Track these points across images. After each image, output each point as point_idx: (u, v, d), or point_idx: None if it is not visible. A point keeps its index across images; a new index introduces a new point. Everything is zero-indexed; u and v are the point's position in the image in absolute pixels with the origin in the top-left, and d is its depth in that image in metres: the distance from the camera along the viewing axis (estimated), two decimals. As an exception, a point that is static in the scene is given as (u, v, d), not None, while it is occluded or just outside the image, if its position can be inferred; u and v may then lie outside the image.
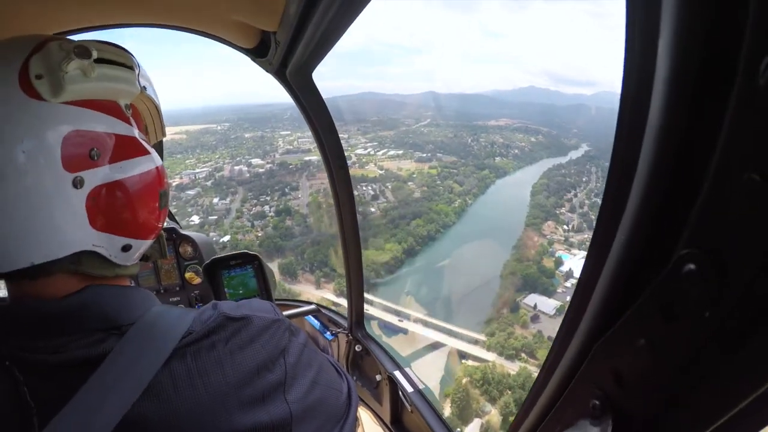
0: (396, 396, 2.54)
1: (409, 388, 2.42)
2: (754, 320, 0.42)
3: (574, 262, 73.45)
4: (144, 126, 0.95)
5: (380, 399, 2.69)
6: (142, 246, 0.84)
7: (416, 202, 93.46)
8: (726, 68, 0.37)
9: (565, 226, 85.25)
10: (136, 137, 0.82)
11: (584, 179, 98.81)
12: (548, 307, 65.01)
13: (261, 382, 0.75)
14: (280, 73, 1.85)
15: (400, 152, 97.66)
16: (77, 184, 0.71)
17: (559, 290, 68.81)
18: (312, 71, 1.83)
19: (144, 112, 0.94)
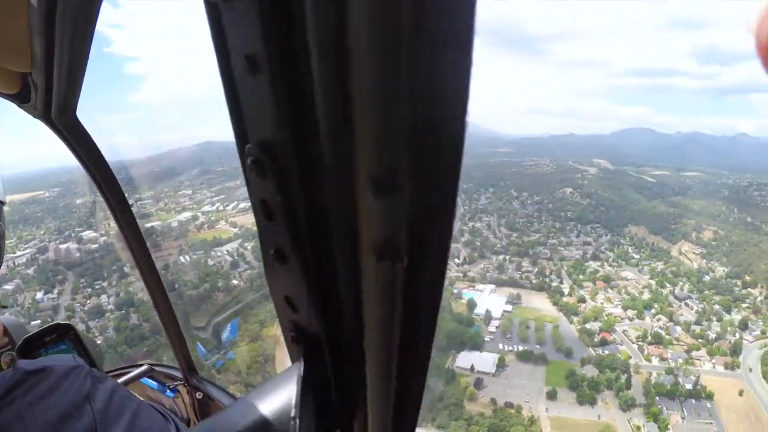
0: None
1: None
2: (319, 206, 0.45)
3: (485, 299, 71.93)
4: None
5: None
6: None
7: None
8: None
9: (456, 259, 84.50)
10: None
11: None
12: (487, 364, 62.04)
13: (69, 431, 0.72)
14: (45, 116, 1.79)
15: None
16: None
17: (487, 338, 66.48)
18: (74, 109, 1.77)
19: None
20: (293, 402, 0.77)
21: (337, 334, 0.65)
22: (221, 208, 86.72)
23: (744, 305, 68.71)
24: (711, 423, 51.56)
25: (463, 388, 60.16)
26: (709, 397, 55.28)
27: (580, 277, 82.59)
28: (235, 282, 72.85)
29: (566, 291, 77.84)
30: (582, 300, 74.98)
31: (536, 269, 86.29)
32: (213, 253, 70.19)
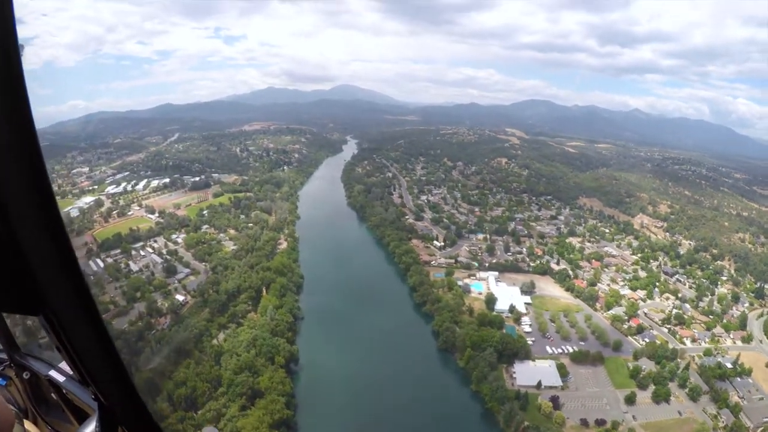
0: (63, 396, 2.55)
1: (61, 378, 2.54)
2: None
3: (496, 289, 63.75)
4: None
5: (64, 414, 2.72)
6: None
7: (237, 259, 68.14)
8: None
9: (435, 242, 75.91)
10: None
11: (388, 174, 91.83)
12: (550, 376, 54.06)
13: None
14: None
15: (167, 180, 71.86)
16: None
17: (530, 340, 58.33)
18: None
19: None
20: None
21: None
22: (130, 188, 65.48)
23: (723, 278, 75.58)
24: (762, 398, 55.37)
25: (546, 413, 54.60)
26: (748, 373, 59.38)
27: (571, 256, 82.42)
28: (179, 297, 54.48)
29: (570, 274, 76.51)
30: (593, 283, 74.37)
31: (525, 250, 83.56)
32: (137, 254, 51.07)
